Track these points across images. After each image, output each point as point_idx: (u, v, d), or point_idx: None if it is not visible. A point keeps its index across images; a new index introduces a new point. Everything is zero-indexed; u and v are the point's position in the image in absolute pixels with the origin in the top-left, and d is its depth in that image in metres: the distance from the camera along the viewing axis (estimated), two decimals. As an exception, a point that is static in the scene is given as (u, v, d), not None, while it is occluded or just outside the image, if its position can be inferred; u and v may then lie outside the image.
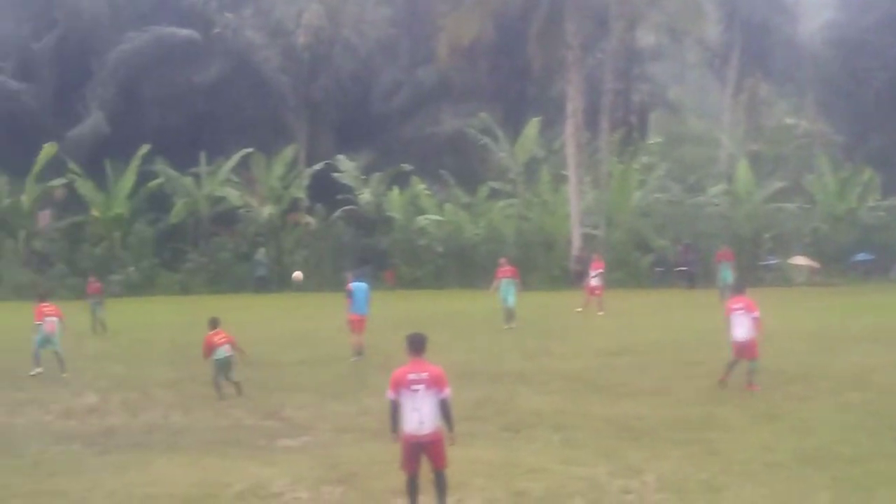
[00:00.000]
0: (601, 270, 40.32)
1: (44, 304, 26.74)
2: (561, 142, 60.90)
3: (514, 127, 63.43)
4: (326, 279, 56.71)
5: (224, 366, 22.06)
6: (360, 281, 28.91)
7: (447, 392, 12.52)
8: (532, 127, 62.39)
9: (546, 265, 56.50)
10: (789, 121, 76.88)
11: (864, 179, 62.61)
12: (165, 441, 17.84)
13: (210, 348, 21.99)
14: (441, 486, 12.88)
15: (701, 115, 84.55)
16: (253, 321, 40.12)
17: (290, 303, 49.63)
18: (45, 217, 60.66)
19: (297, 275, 23.66)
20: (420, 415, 12.45)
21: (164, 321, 40.96)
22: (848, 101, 73.11)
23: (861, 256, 58.56)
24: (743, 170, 62.48)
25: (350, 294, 28.26)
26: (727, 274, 42.19)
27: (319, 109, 65.72)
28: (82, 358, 28.05)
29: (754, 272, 56.27)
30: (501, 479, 14.63)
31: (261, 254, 57.68)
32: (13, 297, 51.44)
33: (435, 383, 12.45)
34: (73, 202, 60.54)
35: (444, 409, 12.53)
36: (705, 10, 62.72)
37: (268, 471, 15.32)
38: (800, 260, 56.95)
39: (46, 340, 25.90)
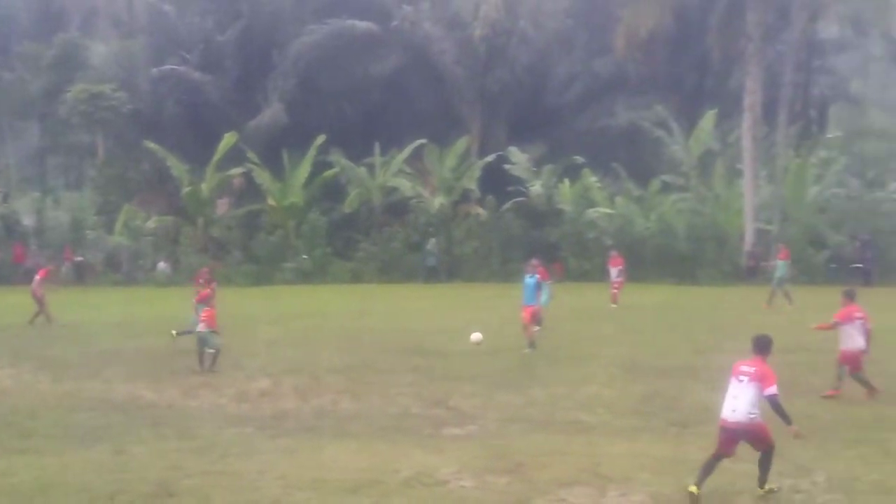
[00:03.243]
0: (621, 266, 42.46)
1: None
2: (736, 135, 59.74)
3: (688, 119, 62.51)
4: (495, 270, 56.95)
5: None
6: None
7: (770, 391, 13.35)
8: (708, 120, 61.39)
9: (717, 260, 55.78)
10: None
11: None
12: (335, 426, 18.14)
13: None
14: (762, 461, 13.72)
15: (884, 108, 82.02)
16: (422, 310, 40.59)
17: (460, 293, 49.93)
18: (223, 205, 62.23)
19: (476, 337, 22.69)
20: (733, 403, 13.34)
21: (336, 308, 41.59)
22: None
23: None
24: (927, 165, 60.58)
25: (539, 285, 28.53)
26: (782, 271, 41.47)
27: (493, 101, 65.74)
28: (256, 343, 28.68)
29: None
30: (668, 474, 14.53)
31: (431, 244, 57.95)
32: (189, 283, 52.85)
33: (760, 379, 13.30)
34: (251, 191, 61.81)
35: (772, 405, 13.43)
36: (892, 0, 60.90)
37: (434, 458, 15.48)
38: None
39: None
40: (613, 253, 44.38)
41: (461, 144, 61.68)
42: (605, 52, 66.49)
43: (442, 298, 46.73)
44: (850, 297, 20.96)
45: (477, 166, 61.18)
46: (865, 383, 20.51)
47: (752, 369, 13.42)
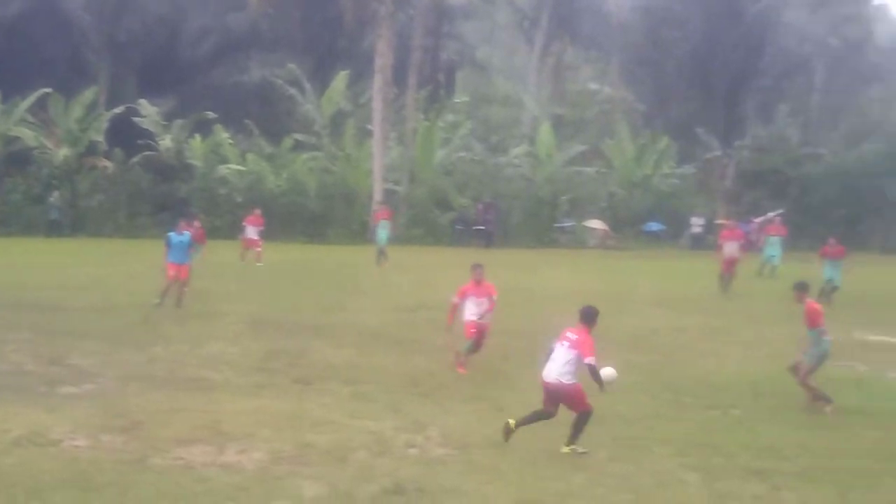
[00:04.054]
0: (262, 227, 43.33)
1: None
2: (368, 96, 60.78)
3: (322, 79, 63.06)
4: (121, 225, 55.61)
5: None
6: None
7: (589, 360, 13.91)
8: (340, 80, 62.11)
9: (346, 219, 56.61)
10: (593, 86, 78.52)
11: (660, 147, 64.52)
12: (-59, 386, 17.24)
13: None
14: (575, 422, 14.22)
15: (508, 76, 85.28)
16: (43, 265, 39.11)
17: (83, 248, 48.45)
18: None
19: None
20: (551, 364, 14.10)
21: (-50, 262, 39.49)
22: (650, 70, 74.90)
23: (653, 227, 60.39)
24: (545, 132, 63.49)
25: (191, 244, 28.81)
26: (383, 234, 43.31)
27: (123, 52, 64.12)
28: None
29: (550, 233, 57.65)
30: (288, 430, 14.62)
31: (55, 197, 55.90)
32: None
33: (579, 347, 13.92)
34: None
35: (590, 373, 14.01)
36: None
37: (48, 417, 14.95)
38: (594, 223, 58.42)
39: None
40: (257, 211, 44.18)
41: (88, 95, 59.80)
42: (240, 6, 65.94)
43: (65, 253, 45.13)
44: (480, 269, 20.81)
45: (104, 118, 59.53)
46: (469, 352, 20.39)
47: (574, 337, 14.08)
